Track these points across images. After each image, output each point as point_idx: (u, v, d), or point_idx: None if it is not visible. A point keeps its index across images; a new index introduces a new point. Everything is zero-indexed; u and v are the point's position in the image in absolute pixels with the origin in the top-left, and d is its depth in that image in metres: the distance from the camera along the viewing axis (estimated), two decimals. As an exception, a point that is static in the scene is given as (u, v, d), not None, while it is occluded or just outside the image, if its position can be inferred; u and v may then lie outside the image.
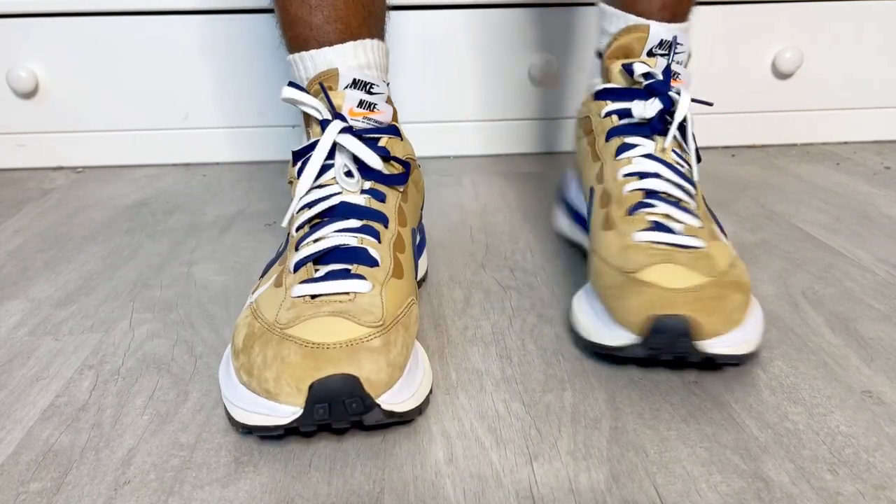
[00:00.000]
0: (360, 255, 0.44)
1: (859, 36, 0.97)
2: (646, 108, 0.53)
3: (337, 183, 0.48)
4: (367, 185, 0.49)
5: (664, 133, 0.54)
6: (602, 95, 0.56)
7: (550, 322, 0.53)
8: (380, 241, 0.45)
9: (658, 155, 0.53)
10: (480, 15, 0.93)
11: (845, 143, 1.02)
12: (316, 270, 0.43)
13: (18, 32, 0.91)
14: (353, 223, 0.46)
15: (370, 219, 0.46)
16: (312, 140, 0.49)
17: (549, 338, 0.51)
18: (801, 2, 0.95)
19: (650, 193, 0.51)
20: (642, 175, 0.52)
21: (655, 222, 0.48)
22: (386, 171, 0.49)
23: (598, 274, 0.48)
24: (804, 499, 0.35)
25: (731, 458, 0.38)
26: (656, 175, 0.52)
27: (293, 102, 0.49)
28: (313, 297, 0.41)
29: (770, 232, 0.70)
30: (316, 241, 0.45)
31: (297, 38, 0.52)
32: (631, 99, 0.54)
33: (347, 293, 0.41)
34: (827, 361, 0.47)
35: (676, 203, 0.50)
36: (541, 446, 0.39)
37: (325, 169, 0.48)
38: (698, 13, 0.95)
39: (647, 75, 0.54)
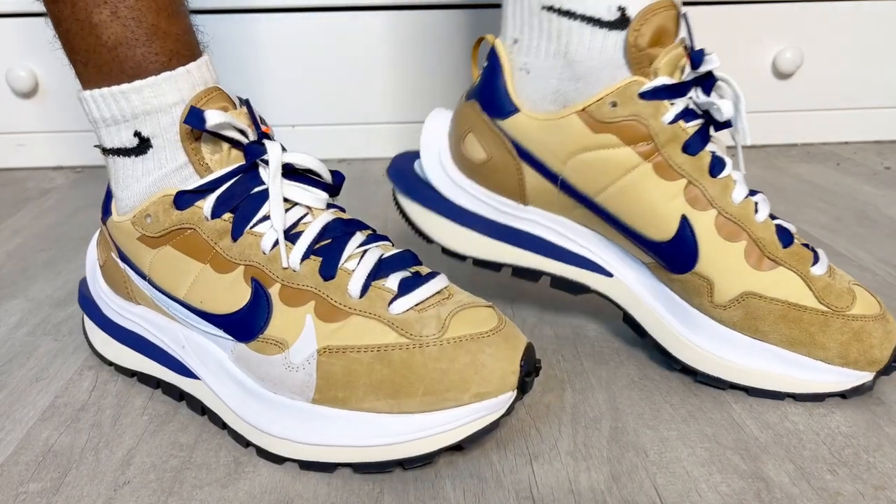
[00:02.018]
0: (406, 259, 0.41)
1: (859, 36, 0.97)
2: (725, 108, 0.44)
3: (299, 204, 0.41)
4: (325, 198, 0.42)
5: (718, 130, 0.45)
6: (659, 94, 0.43)
7: (550, 322, 0.53)
8: (393, 244, 0.45)
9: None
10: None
11: (845, 143, 1.02)
12: (383, 286, 0.39)
13: (18, 32, 0.91)
14: (360, 237, 0.41)
15: (363, 228, 0.43)
16: (231, 168, 0.40)
17: (548, 338, 0.51)
18: (801, 2, 0.95)
19: (772, 216, 0.45)
20: (751, 193, 0.45)
21: (814, 251, 0.44)
22: (331, 181, 0.43)
23: (783, 319, 0.42)
24: (804, 499, 0.35)
25: (731, 458, 0.38)
26: (757, 191, 0.45)
27: (218, 129, 0.39)
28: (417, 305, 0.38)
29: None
30: (357, 265, 0.39)
31: (162, 53, 0.40)
32: (684, 95, 0.44)
33: (440, 291, 0.40)
34: (827, 361, 0.47)
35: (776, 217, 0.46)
36: (541, 446, 0.39)
37: (262, 198, 0.40)
38: (698, 13, 0.95)
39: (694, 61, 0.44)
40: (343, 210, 0.43)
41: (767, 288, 0.43)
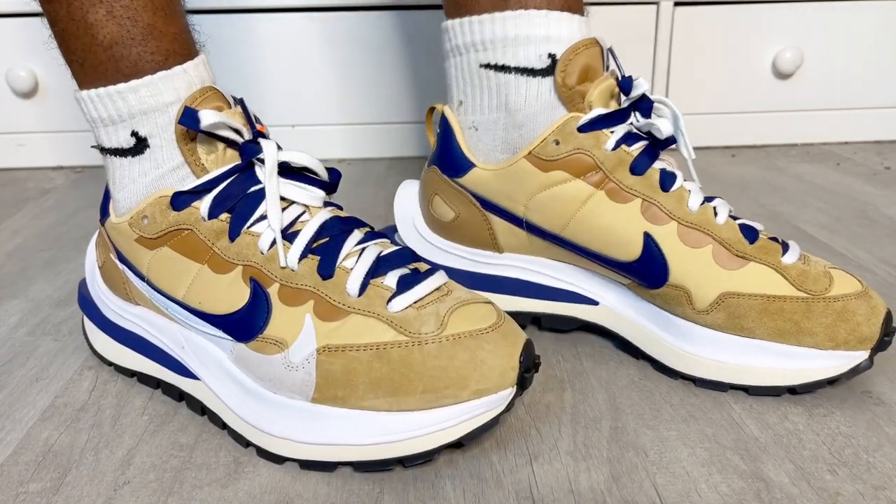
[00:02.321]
0: (405, 256, 0.41)
1: (859, 36, 0.97)
2: (664, 126, 0.46)
3: (296, 203, 0.41)
4: (322, 196, 0.42)
5: (662, 149, 0.47)
6: (596, 125, 0.46)
7: (550, 322, 0.53)
8: (392, 242, 0.45)
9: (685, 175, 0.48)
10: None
11: (845, 143, 1.02)
12: (381, 284, 0.39)
13: (18, 32, 0.91)
14: (358, 235, 0.41)
15: (361, 225, 0.43)
16: (227, 167, 0.40)
17: (549, 337, 0.51)
18: (801, 2, 0.95)
19: (733, 216, 0.46)
20: (708, 199, 0.46)
21: (783, 242, 0.45)
22: (327, 179, 0.43)
23: (765, 312, 0.43)
24: (804, 499, 0.35)
25: (731, 459, 0.38)
26: (714, 197, 0.47)
27: (213, 129, 0.39)
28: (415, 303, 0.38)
29: (770, 232, 0.70)
30: (355, 263, 0.39)
31: (158, 52, 0.40)
32: (623, 121, 0.46)
33: (439, 288, 0.39)
34: (827, 361, 0.47)
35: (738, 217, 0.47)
36: (541, 446, 0.39)
37: (259, 197, 0.40)
38: (699, 13, 0.95)
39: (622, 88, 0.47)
40: (340, 208, 0.43)
41: (743, 285, 0.43)
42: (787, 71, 0.96)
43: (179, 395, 0.44)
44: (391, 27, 0.93)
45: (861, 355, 0.42)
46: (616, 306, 0.49)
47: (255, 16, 0.92)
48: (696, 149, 1.07)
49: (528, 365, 0.37)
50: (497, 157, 0.49)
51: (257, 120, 0.42)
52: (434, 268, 0.41)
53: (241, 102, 0.42)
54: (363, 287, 0.38)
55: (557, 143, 0.46)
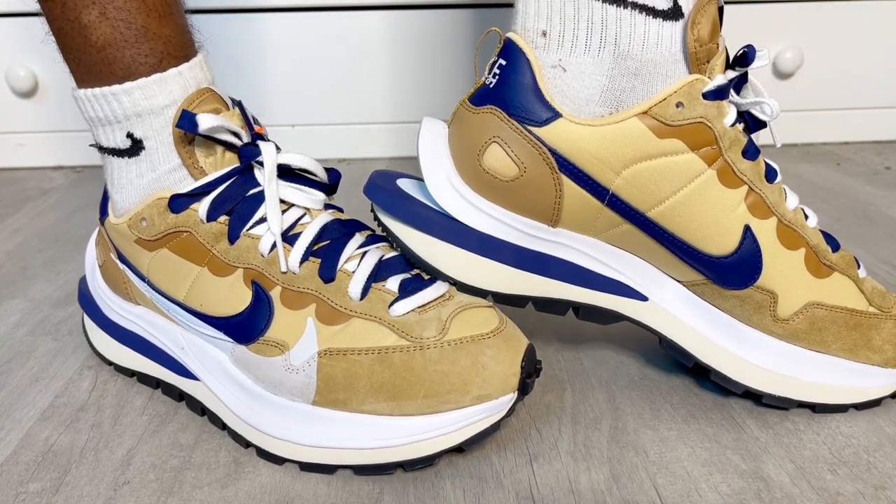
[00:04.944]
0: (408, 261, 0.41)
1: (859, 36, 0.97)
2: (774, 106, 0.41)
3: (296, 205, 0.41)
4: (322, 198, 0.42)
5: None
6: (718, 94, 0.39)
7: (551, 322, 0.53)
8: (392, 246, 0.45)
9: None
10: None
11: (845, 143, 1.02)
12: (383, 288, 0.39)
13: (18, 32, 0.91)
14: (360, 238, 0.41)
15: (362, 229, 0.43)
16: (226, 170, 0.40)
17: (549, 338, 0.51)
18: (801, 2, 0.95)
19: (825, 234, 0.44)
20: (796, 200, 0.43)
21: (855, 258, 0.44)
22: (327, 181, 0.43)
23: (846, 327, 0.41)
24: (804, 499, 0.35)
25: (731, 458, 0.38)
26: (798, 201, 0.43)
27: (212, 133, 0.39)
28: (420, 308, 0.38)
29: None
30: (357, 267, 0.39)
31: (152, 55, 0.40)
32: (726, 95, 0.40)
33: (443, 294, 0.39)
34: (827, 361, 0.47)
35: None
36: (541, 446, 0.39)
37: (258, 199, 0.40)
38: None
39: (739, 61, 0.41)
40: (341, 210, 0.43)
41: (829, 296, 0.41)
42: (787, 71, 0.96)
43: (179, 396, 0.44)
44: (391, 27, 0.93)
45: None
46: (668, 306, 0.43)
47: (254, 15, 0.92)
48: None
49: (530, 370, 0.37)
50: (591, 109, 0.39)
51: (256, 121, 0.42)
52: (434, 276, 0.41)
53: (239, 104, 0.42)
54: (365, 291, 0.38)
55: (680, 105, 0.38)
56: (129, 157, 0.41)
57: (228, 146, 0.41)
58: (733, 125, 0.40)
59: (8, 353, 0.50)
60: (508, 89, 0.40)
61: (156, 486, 0.37)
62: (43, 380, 0.47)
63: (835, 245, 0.43)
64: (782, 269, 0.40)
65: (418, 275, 0.40)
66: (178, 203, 0.40)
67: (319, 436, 0.37)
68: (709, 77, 0.39)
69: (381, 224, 0.44)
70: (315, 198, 0.41)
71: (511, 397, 0.37)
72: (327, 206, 0.42)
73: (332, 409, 0.37)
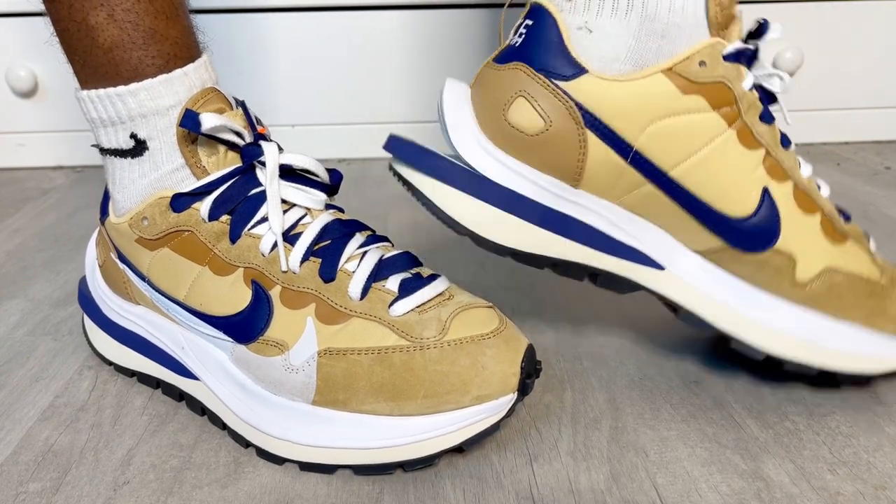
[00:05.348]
0: (407, 260, 0.41)
1: (859, 36, 0.97)
2: (786, 80, 0.43)
3: (297, 205, 0.41)
4: (324, 198, 0.42)
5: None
6: (738, 58, 0.41)
7: (551, 322, 0.53)
8: (393, 245, 0.45)
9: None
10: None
11: (845, 143, 1.02)
12: (383, 288, 0.39)
13: (18, 32, 0.91)
14: (360, 238, 0.41)
15: (363, 229, 0.42)
16: (228, 170, 0.40)
17: (549, 338, 0.51)
18: (801, 2, 0.95)
19: (837, 207, 0.45)
20: (809, 169, 0.44)
21: (866, 233, 0.45)
22: (329, 182, 0.43)
23: (864, 294, 0.42)
24: (804, 499, 0.35)
25: (731, 458, 0.38)
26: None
27: (215, 132, 0.39)
28: (418, 307, 0.38)
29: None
30: (357, 266, 0.39)
31: (159, 56, 0.40)
32: (752, 62, 0.42)
33: (441, 293, 0.39)
34: (827, 361, 0.47)
35: None
36: (541, 446, 0.39)
37: (260, 199, 0.40)
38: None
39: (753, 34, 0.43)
40: (342, 210, 0.43)
41: (845, 262, 0.42)
42: (787, 71, 0.96)
43: (179, 395, 0.44)
44: (391, 27, 0.93)
45: None
46: (685, 274, 0.43)
47: (254, 15, 0.92)
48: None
49: (530, 371, 0.37)
50: (617, 67, 0.40)
51: (258, 121, 0.42)
52: (435, 274, 0.41)
53: (242, 104, 0.42)
54: (365, 290, 0.38)
55: (703, 64, 0.40)
56: (132, 157, 0.41)
57: (231, 146, 0.41)
58: (751, 90, 0.41)
59: (8, 353, 0.50)
60: (535, 46, 0.41)
61: (156, 486, 0.37)
62: (43, 380, 0.47)
63: (846, 216, 0.44)
64: (800, 232, 0.41)
65: (418, 274, 0.40)
66: (180, 202, 0.40)
67: (319, 436, 0.37)
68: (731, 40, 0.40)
69: (400, 178, 0.44)
70: (316, 198, 0.41)
71: (511, 398, 0.37)
72: (328, 207, 0.42)
73: (331, 408, 0.37)
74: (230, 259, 0.40)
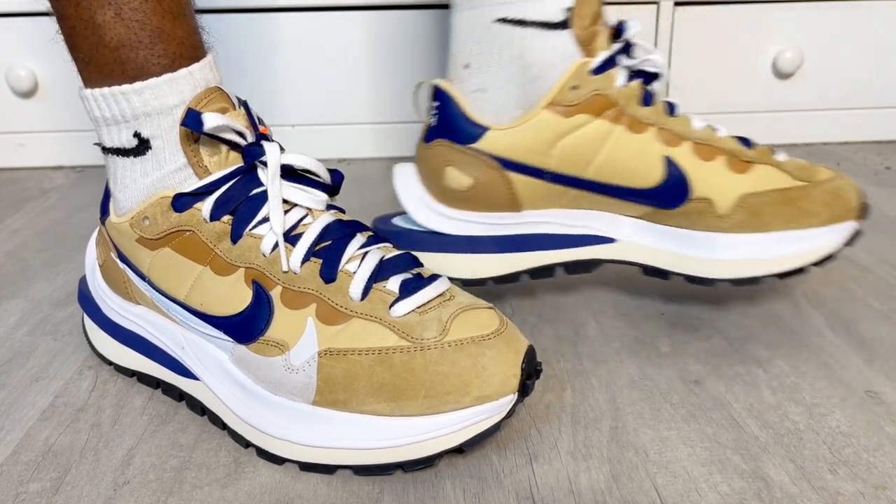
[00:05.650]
0: (407, 261, 0.41)
1: (859, 36, 0.97)
2: (658, 60, 0.50)
3: (298, 205, 0.41)
4: (325, 199, 0.42)
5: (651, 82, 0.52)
6: (606, 66, 0.49)
7: (551, 322, 0.53)
8: (394, 246, 0.45)
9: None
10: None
11: (845, 143, 1.02)
12: (384, 289, 0.39)
13: (18, 32, 0.91)
14: (361, 239, 0.41)
15: (363, 229, 0.42)
16: (230, 169, 0.40)
17: (549, 337, 0.51)
18: (801, 2, 0.95)
19: (739, 138, 0.51)
20: (703, 121, 0.51)
21: (770, 147, 0.51)
22: (330, 182, 0.43)
23: (778, 203, 0.48)
24: (804, 499, 0.35)
25: (731, 458, 0.38)
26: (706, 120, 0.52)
27: (217, 132, 0.39)
28: (419, 308, 0.38)
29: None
30: (358, 267, 0.39)
31: (165, 55, 0.40)
32: (616, 62, 0.50)
33: (441, 293, 0.39)
34: (827, 361, 0.47)
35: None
36: (541, 446, 0.39)
37: (261, 199, 0.40)
38: (699, 13, 0.95)
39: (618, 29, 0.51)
40: (343, 211, 0.43)
41: (755, 185, 0.48)
42: (787, 71, 0.96)
43: (179, 395, 0.44)
44: (391, 27, 0.93)
45: (853, 225, 0.48)
46: (633, 238, 0.51)
47: (255, 16, 0.92)
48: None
49: (530, 371, 0.37)
50: (510, 114, 0.50)
51: (261, 121, 0.42)
52: (435, 274, 0.41)
53: (244, 104, 0.42)
54: (366, 291, 0.38)
55: (575, 87, 0.49)
56: (135, 156, 0.41)
57: (233, 146, 0.41)
58: (626, 85, 0.49)
59: (8, 353, 0.50)
60: (446, 123, 0.52)
61: (156, 486, 0.37)
62: (43, 380, 0.47)
63: (749, 143, 0.50)
64: (708, 178, 0.49)
65: (419, 274, 0.40)
66: (182, 202, 0.40)
67: (319, 436, 0.37)
68: (596, 54, 0.49)
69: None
70: (317, 198, 0.41)
71: (511, 398, 0.37)
72: (329, 207, 0.42)
73: (332, 409, 0.37)
74: (231, 259, 0.40)
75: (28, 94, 0.93)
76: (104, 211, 0.45)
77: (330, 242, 0.40)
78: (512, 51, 0.49)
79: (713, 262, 0.49)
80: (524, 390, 0.37)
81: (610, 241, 0.52)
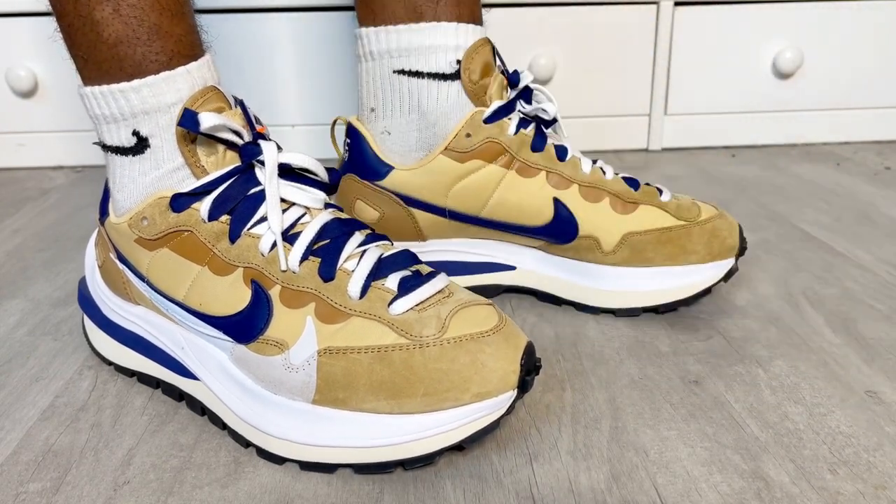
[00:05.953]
0: (406, 258, 0.41)
1: (859, 36, 0.97)
2: (550, 109, 0.54)
3: (296, 204, 0.41)
4: (323, 197, 0.42)
5: (547, 128, 0.56)
6: (498, 115, 0.53)
7: (550, 322, 0.53)
8: (392, 244, 0.45)
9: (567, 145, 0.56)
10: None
11: (845, 143, 1.02)
12: (383, 287, 0.39)
13: (18, 32, 0.91)
14: (359, 237, 0.41)
15: (361, 228, 0.42)
16: (227, 169, 0.40)
17: (549, 337, 0.51)
18: (801, 2, 0.95)
19: (616, 172, 0.55)
20: (594, 162, 0.55)
21: (657, 187, 0.55)
22: (328, 181, 0.43)
23: (659, 242, 0.52)
24: (804, 498, 0.35)
25: (731, 458, 0.38)
26: (597, 159, 0.56)
27: (213, 131, 0.39)
28: (417, 306, 0.38)
29: (770, 232, 0.70)
30: (356, 265, 0.39)
31: (163, 53, 0.40)
32: (515, 109, 0.54)
33: (440, 290, 0.39)
34: (827, 361, 0.47)
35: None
36: (541, 446, 0.39)
37: (259, 199, 0.40)
38: (699, 13, 0.95)
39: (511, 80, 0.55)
40: (341, 209, 0.43)
41: (638, 224, 0.52)
42: (787, 71, 0.96)
43: (179, 395, 0.44)
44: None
45: (730, 261, 0.53)
46: (531, 267, 0.56)
47: (254, 15, 0.92)
48: (696, 149, 1.08)
49: (530, 368, 0.37)
50: (413, 156, 0.54)
51: (257, 121, 0.42)
52: (434, 271, 0.41)
53: (241, 103, 0.42)
54: (364, 289, 0.38)
55: (469, 135, 0.52)
56: (133, 155, 0.41)
57: (230, 145, 0.41)
58: (517, 132, 0.53)
59: (8, 353, 0.50)
60: (356, 159, 0.55)
61: (156, 486, 0.37)
62: (43, 380, 0.47)
63: (636, 185, 0.54)
64: (593, 218, 0.53)
65: (417, 272, 0.40)
66: (180, 202, 0.40)
67: (319, 435, 0.37)
68: (490, 103, 0.53)
69: None
70: (315, 197, 0.41)
71: (511, 395, 0.37)
72: (327, 206, 0.42)
73: (331, 407, 0.37)
74: (230, 259, 0.40)
75: (28, 94, 0.93)
76: (103, 211, 0.45)
77: (328, 241, 0.40)
78: (411, 100, 0.53)
79: (602, 292, 0.53)
80: (524, 386, 0.37)
81: (511, 268, 0.56)
